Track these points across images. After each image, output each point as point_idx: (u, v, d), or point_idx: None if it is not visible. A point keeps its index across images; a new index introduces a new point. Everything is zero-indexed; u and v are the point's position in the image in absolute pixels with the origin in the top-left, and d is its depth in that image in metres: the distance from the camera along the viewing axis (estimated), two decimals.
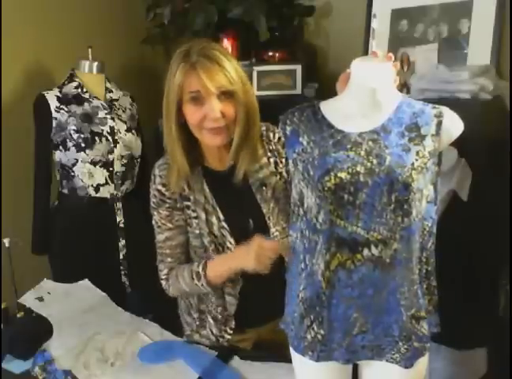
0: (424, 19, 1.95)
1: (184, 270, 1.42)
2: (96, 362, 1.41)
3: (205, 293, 1.46)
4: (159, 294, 1.53)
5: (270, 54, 2.16)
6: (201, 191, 1.43)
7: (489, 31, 1.80)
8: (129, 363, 1.41)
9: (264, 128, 1.46)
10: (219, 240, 1.42)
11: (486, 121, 1.63)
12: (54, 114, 1.90)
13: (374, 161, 1.05)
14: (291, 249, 1.20)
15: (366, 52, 2.00)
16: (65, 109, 1.91)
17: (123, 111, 2.05)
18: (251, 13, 2.07)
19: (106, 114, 1.97)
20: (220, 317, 1.47)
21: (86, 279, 1.80)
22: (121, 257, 2.02)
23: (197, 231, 1.43)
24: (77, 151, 1.89)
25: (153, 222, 1.47)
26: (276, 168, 1.45)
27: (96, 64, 2.01)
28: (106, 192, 1.97)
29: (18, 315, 1.56)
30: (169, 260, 1.45)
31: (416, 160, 1.06)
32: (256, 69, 2.10)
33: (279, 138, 1.45)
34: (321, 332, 1.11)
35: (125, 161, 1.99)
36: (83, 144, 1.89)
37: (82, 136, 1.90)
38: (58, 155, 1.92)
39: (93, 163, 1.91)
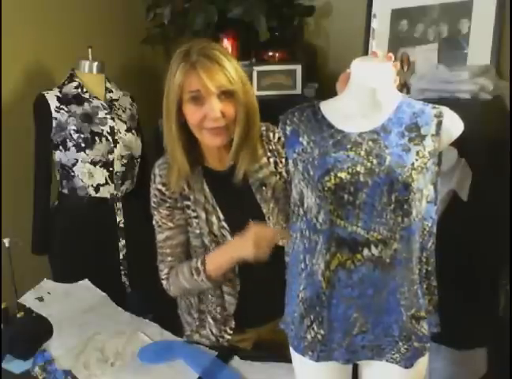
0: (424, 19, 1.95)
1: (184, 267, 1.42)
2: (96, 362, 1.41)
3: (204, 293, 1.46)
4: (159, 294, 1.53)
5: (270, 54, 2.16)
6: (201, 191, 1.43)
7: (489, 31, 1.80)
8: (129, 363, 1.41)
9: (264, 128, 1.46)
10: (219, 240, 1.42)
11: (486, 121, 1.63)
12: (54, 114, 1.90)
13: (374, 161, 1.05)
14: (291, 249, 1.20)
15: (366, 52, 2.00)
16: (65, 109, 1.91)
17: (123, 111, 2.05)
18: (251, 13, 2.07)
19: (106, 114, 1.97)
20: (219, 316, 1.47)
21: (86, 279, 1.80)
22: (121, 257, 2.02)
23: (198, 231, 1.43)
24: (77, 151, 1.89)
25: (154, 222, 1.47)
26: (275, 168, 1.45)
27: (95, 64, 2.01)
28: (106, 192, 1.97)
29: (18, 315, 1.56)
30: (169, 259, 1.45)
31: (416, 160, 1.06)
32: (256, 69, 2.10)
33: (279, 138, 1.45)
34: (321, 332, 1.11)
35: (125, 161, 1.99)
36: (83, 144, 1.89)
37: (82, 136, 1.90)
38: (58, 155, 1.92)
39: (93, 163, 1.91)
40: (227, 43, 2.15)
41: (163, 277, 1.46)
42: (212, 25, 2.13)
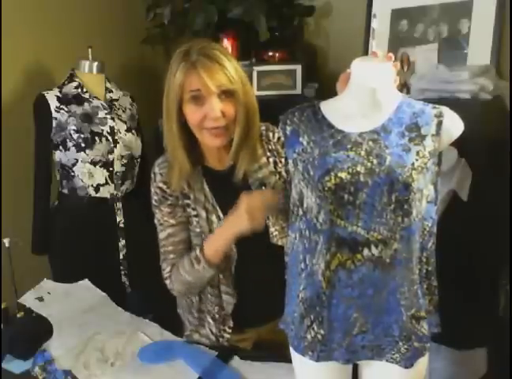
0: (424, 19, 1.95)
1: (184, 260, 1.41)
2: (96, 362, 1.41)
3: (204, 292, 1.46)
4: (159, 294, 1.53)
5: (270, 54, 2.17)
6: (201, 190, 1.43)
7: (489, 31, 1.80)
8: (129, 363, 1.41)
9: (263, 128, 1.46)
10: None
11: (486, 121, 1.63)
12: (54, 114, 1.90)
13: (375, 161, 1.05)
14: (290, 249, 1.20)
15: (366, 52, 2.00)
16: (65, 109, 1.91)
17: (123, 111, 2.05)
18: (251, 13, 2.07)
19: (106, 114, 1.97)
20: (217, 316, 1.47)
21: (86, 279, 1.80)
22: (121, 257, 2.02)
23: (198, 230, 1.43)
24: (77, 151, 1.89)
25: (155, 220, 1.47)
26: (275, 168, 1.45)
27: (95, 64, 2.01)
28: (106, 192, 1.97)
29: (18, 315, 1.56)
30: (171, 256, 1.44)
31: (416, 160, 1.06)
32: (256, 69, 2.10)
33: (278, 138, 1.45)
34: (321, 331, 1.11)
35: (125, 161, 1.99)
36: (83, 144, 1.89)
37: (82, 136, 1.90)
38: (58, 155, 1.92)
39: (93, 163, 1.91)
40: (227, 43, 2.15)
41: (166, 275, 1.45)
42: (212, 25, 2.14)
